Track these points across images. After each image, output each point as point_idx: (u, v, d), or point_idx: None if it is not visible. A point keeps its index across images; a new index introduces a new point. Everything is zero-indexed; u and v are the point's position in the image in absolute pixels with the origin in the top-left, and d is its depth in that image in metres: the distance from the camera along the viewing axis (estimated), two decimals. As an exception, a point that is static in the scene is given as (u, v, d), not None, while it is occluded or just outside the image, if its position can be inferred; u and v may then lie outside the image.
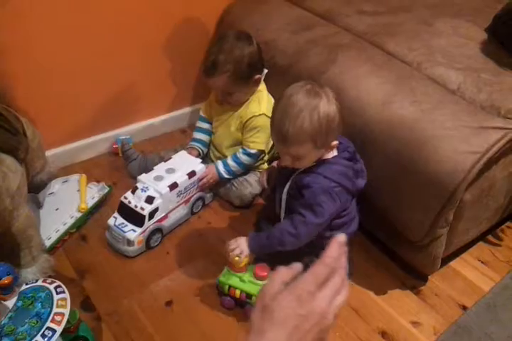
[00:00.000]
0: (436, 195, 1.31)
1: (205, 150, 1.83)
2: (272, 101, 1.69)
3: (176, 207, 1.63)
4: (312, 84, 1.24)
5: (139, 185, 1.57)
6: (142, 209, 1.52)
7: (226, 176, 1.71)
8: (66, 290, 1.34)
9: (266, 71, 1.67)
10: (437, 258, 1.46)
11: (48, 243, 1.54)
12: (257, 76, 1.61)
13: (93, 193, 1.73)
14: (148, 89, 1.94)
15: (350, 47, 1.61)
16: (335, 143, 1.27)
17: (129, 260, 1.57)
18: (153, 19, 1.78)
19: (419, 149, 1.32)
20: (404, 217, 1.41)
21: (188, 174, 1.62)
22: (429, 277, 1.56)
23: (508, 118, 1.33)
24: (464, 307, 1.49)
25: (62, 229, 1.59)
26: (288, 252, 1.33)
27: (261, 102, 1.66)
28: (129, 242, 1.54)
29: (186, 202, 1.67)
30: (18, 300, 1.21)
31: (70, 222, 1.62)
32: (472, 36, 1.66)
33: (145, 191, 1.55)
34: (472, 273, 1.59)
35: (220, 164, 1.71)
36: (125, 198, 1.56)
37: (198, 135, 1.83)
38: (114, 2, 1.66)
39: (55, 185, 1.71)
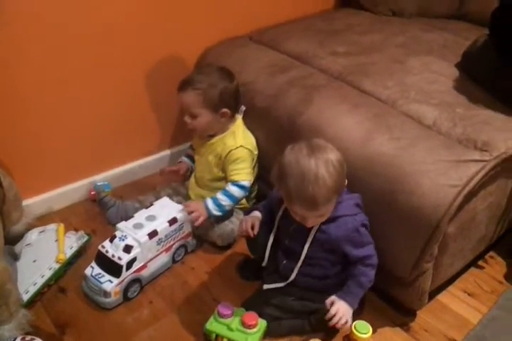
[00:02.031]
0: (420, 230, 1.32)
1: (193, 166, 1.85)
2: (250, 136, 1.72)
3: (156, 255, 1.59)
4: (301, 144, 1.24)
5: (117, 233, 1.54)
6: (120, 258, 1.48)
7: (215, 213, 1.64)
8: (47, 347, 1.29)
9: (243, 109, 1.70)
10: (425, 292, 1.46)
11: (25, 297, 1.48)
12: (224, 110, 1.62)
13: (71, 243, 1.68)
14: (125, 133, 1.94)
15: (327, 87, 1.64)
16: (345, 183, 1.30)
17: (110, 311, 1.52)
18: (131, 63, 1.80)
19: (401, 185, 1.33)
20: (390, 253, 1.41)
21: (168, 221, 1.58)
22: (417, 312, 1.55)
23: (484, 150, 1.36)
24: (454, 341, 1.48)
25: (40, 281, 1.54)
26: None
27: (236, 137, 1.67)
28: (106, 294, 1.48)
29: (167, 250, 1.63)
30: (-5, 360, 1.15)
31: (48, 273, 1.57)
32: (444, 72, 1.71)
33: (123, 240, 1.51)
34: (459, 306, 1.59)
35: (208, 200, 1.65)
36: (103, 247, 1.52)
37: (189, 152, 1.88)
38: (92, 45, 1.67)
39: (32, 236, 1.66)
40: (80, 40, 1.64)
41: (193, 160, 1.85)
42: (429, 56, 1.82)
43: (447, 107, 1.51)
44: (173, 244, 1.64)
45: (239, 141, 1.66)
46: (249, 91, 1.75)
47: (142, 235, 1.52)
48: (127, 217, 1.59)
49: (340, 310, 1.34)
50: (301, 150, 1.22)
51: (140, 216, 1.59)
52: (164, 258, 1.63)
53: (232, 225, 1.71)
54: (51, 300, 1.55)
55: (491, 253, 1.79)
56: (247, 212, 1.55)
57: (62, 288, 1.59)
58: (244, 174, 1.66)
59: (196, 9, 1.87)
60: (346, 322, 1.35)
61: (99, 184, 1.93)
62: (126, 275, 1.50)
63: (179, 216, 1.61)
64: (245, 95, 1.73)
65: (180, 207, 1.65)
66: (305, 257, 1.38)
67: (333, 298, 1.36)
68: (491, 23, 1.62)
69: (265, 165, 1.75)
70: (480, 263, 1.75)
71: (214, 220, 1.69)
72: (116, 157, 2.00)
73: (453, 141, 1.40)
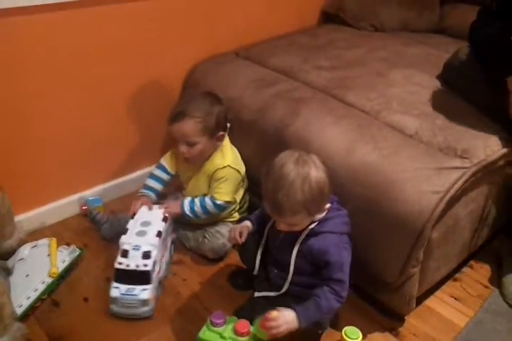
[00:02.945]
0: (404, 236, 1.36)
1: (156, 198, 1.77)
2: (236, 152, 1.74)
3: (163, 255, 1.64)
4: (299, 152, 1.27)
5: (126, 247, 1.53)
6: (145, 265, 1.50)
7: (187, 212, 1.69)
8: (42, 359, 1.30)
9: (229, 126, 1.72)
10: (412, 297, 1.49)
11: (19, 311, 1.49)
12: (221, 133, 1.65)
13: (64, 257, 1.69)
14: (115, 148, 1.97)
15: (313, 100, 1.69)
16: (327, 206, 1.31)
17: (104, 323, 1.53)
18: (119, 80, 1.84)
19: (384, 192, 1.38)
20: (377, 259, 1.45)
21: (163, 220, 1.63)
22: (405, 317, 1.58)
23: (465, 157, 1.41)
24: (443, 345, 1.51)
25: (34, 295, 1.55)
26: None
27: (225, 156, 1.69)
28: (145, 302, 1.51)
29: (166, 247, 1.68)
30: (-9, 373, 1.16)
31: (42, 287, 1.58)
32: (425, 84, 1.77)
33: (138, 249, 1.52)
34: (447, 310, 1.63)
35: (186, 201, 1.70)
36: (120, 264, 1.51)
37: (151, 183, 1.77)
38: (79, 67, 1.71)
39: (25, 251, 1.67)
40: (71, 59, 1.68)
41: (155, 192, 1.76)
42: (411, 69, 1.88)
43: (428, 117, 1.57)
44: (168, 240, 1.71)
45: (227, 160, 1.68)
46: (236, 105, 1.79)
47: (152, 238, 1.55)
48: (123, 231, 1.59)
49: (284, 318, 1.27)
50: (292, 157, 1.25)
51: (134, 225, 1.61)
52: (166, 256, 1.69)
53: (223, 239, 1.73)
54: (45, 313, 1.56)
55: (477, 258, 1.82)
56: (237, 221, 1.58)
57: (55, 302, 1.60)
58: (223, 194, 1.68)
59: (183, 27, 1.93)
60: (278, 333, 1.27)
61: (90, 198, 1.96)
62: (155, 279, 1.54)
63: (166, 214, 1.67)
64: (232, 109, 1.77)
65: (156, 206, 1.70)
66: (294, 268, 1.40)
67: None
68: (470, 34, 1.68)
69: (253, 178, 1.78)
70: (465, 268, 1.79)
71: (187, 219, 1.72)
72: (107, 171, 2.02)
73: (434, 149, 1.45)
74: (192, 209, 1.69)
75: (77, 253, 1.73)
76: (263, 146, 1.71)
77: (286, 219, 1.27)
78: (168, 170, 1.79)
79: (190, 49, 2.00)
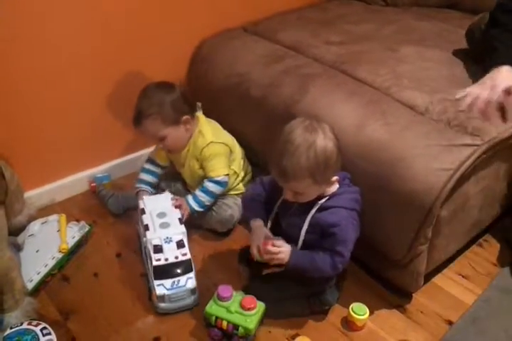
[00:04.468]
0: (413, 213, 1.35)
1: (153, 191, 1.80)
2: (215, 125, 1.74)
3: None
4: (310, 120, 1.27)
5: (155, 241, 1.50)
6: (184, 254, 1.49)
7: (197, 209, 1.68)
8: (52, 332, 1.33)
9: (200, 104, 1.71)
10: (420, 275, 1.49)
11: (30, 285, 1.51)
12: (185, 117, 1.62)
13: (73, 233, 1.71)
14: (123, 126, 1.95)
15: (322, 76, 1.67)
16: (335, 178, 1.30)
17: (113, 298, 1.55)
18: (125, 56, 1.82)
19: (394, 169, 1.36)
20: (385, 236, 1.45)
21: (175, 206, 1.63)
22: (413, 295, 1.58)
23: (476, 135, 1.39)
24: (450, 322, 1.51)
25: (44, 270, 1.57)
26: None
27: (204, 134, 1.67)
28: (192, 291, 1.49)
29: None
30: (3, 345, 1.18)
31: (52, 263, 1.60)
32: (436, 59, 1.74)
33: (170, 241, 1.50)
34: (455, 288, 1.62)
35: (189, 197, 1.69)
36: (158, 260, 1.47)
37: (144, 176, 1.80)
38: (86, 43, 1.70)
39: (35, 227, 1.69)
40: (76, 34, 1.67)
41: (151, 186, 1.80)
42: (422, 44, 1.84)
43: (439, 94, 1.53)
44: None
45: (208, 137, 1.66)
46: (245, 81, 1.77)
47: (178, 226, 1.54)
48: (127, 205, 1.62)
49: (282, 247, 1.35)
50: (302, 123, 1.25)
51: (150, 218, 1.57)
52: None
53: (230, 210, 1.74)
54: (55, 288, 1.58)
55: (486, 236, 1.81)
56: (244, 199, 1.57)
57: (65, 277, 1.62)
58: (218, 169, 1.67)
59: (189, 1, 1.89)
60: (271, 259, 1.37)
61: (98, 176, 1.97)
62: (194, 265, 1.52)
63: (173, 200, 1.66)
64: (241, 86, 1.76)
65: (166, 194, 1.70)
66: (303, 243, 1.40)
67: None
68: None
69: (261, 153, 1.78)
70: (475, 246, 1.78)
71: (197, 216, 1.71)
72: (115, 149, 2.03)
73: (445, 126, 1.43)
74: (199, 202, 1.68)
75: (87, 229, 1.74)
76: (272, 122, 1.68)
77: (290, 184, 1.27)
78: (159, 163, 1.81)
79: (197, 24, 1.97)
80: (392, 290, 1.59)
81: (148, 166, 1.81)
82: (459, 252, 1.69)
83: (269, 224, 1.47)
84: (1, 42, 1.51)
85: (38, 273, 1.56)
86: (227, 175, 1.70)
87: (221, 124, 1.79)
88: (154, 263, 1.46)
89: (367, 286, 1.61)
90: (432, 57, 1.75)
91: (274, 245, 1.35)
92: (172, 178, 1.88)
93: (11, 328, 1.31)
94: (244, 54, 1.86)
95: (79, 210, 1.88)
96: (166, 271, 1.47)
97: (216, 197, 1.72)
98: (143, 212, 1.60)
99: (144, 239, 1.54)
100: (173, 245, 1.49)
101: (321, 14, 2.15)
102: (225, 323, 1.39)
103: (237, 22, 2.08)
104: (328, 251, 1.34)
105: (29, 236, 1.66)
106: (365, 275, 1.64)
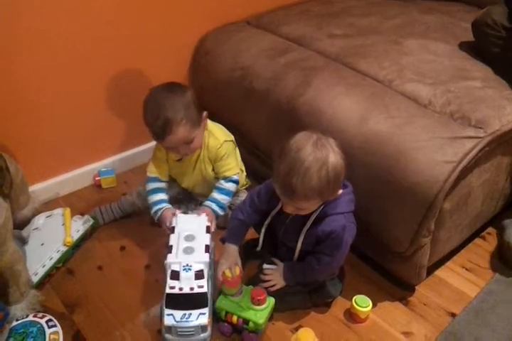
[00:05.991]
0: (416, 205, 1.35)
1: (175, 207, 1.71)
2: (216, 123, 1.68)
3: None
4: (316, 134, 1.22)
5: (174, 267, 1.37)
6: (200, 287, 1.34)
7: (221, 213, 1.65)
8: (58, 324, 1.34)
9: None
10: (423, 267, 1.49)
11: (35, 278, 1.52)
12: (205, 113, 1.58)
13: (78, 226, 1.72)
14: (128, 120, 1.97)
15: (325, 69, 1.66)
16: (340, 191, 1.29)
17: (117, 291, 1.56)
18: (128, 50, 1.82)
19: (397, 162, 1.36)
20: (388, 229, 1.45)
21: (206, 231, 1.49)
22: (416, 287, 1.59)
23: (479, 127, 1.38)
24: (453, 315, 1.51)
25: (49, 264, 1.58)
26: None
27: (215, 134, 1.63)
28: (203, 328, 1.35)
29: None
30: (8, 337, 1.20)
31: (56, 256, 1.61)
32: (440, 52, 1.73)
33: (189, 269, 1.36)
34: (457, 281, 1.63)
35: (212, 205, 1.64)
36: (172, 288, 1.34)
37: (156, 197, 1.67)
38: (91, 33, 1.70)
39: (39, 220, 1.70)
40: (80, 30, 1.67)
41: (166, 201, 1.67)
42: (426, 37, 1.84)
43: (442, 86, 1.53)
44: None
45: (220, 137, 1.63)
46: (249, 74, 1.77)
47: (202, 254, 1.41)
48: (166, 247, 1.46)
49: (274, 274, 1.45)
50: (310, 139, 1.20)
51: (177, 241, 1.44)
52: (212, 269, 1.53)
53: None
54: (60, 281, 1.59)
55: (489, 229, 1.81)
56: (234, 219, 1.50)
57: (70, 270, 1.63)
58: (233, 168, 1.67)
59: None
60: (274, 285, 1.45)
61: (103, 170, 1.98)
62: (210, 300, 1.40)
63: (208, 222, 1.53)
64: (244, 79, 1.76)
65: (202, 217, 1.55)
66: (300, 249, 1.41)
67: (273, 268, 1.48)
68: None
69: (265, 147, 1.79)
70: (478, 239, 1.78)
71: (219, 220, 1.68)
72: (119, 143, 2.03)
73: (448, 118, 1.43)
74: (222, 206, 1.65)
75: (91, 222, 1.75)
76: (276, 116, 1.69)
77: (296, 203, 1.25)
78: (161, 179, 1.71)
79: (201, 18, 1.97)
80: (395, 282, 1.59)
81: (152, 186, 1.69)
82: (462, 245, 1.69)
83: (263, 230, 1.48)
84: (4, 40, 1.52)
85: (43, 266, 1.57)
86: (238, 173, 1.70)
87: (224, 117, 1.79)
88: (168, 290, 1.34)
89: (370, 279, 1.62)
90: (435, 50, 1.75)
91: (263, 280, 1.46)
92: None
93: (17, 320, 1.32)
94: (248, 47, 1.86)
95: (83, 204, 1.89)
96: (178, 301, 1.35)
97: (232, 195, 1.71)
98: (173, 230, 1.49)
99: (164, 261, 1.41)
100: (191, 274, 1.35)
101: (324, 7, 2.14)
102: (235, 318, 1.39)
103: (241, 15, 2.08)
104: (323, 254, 1.36)
105: (34, 229, 1.67)
106: (368, 267, 1.65)
